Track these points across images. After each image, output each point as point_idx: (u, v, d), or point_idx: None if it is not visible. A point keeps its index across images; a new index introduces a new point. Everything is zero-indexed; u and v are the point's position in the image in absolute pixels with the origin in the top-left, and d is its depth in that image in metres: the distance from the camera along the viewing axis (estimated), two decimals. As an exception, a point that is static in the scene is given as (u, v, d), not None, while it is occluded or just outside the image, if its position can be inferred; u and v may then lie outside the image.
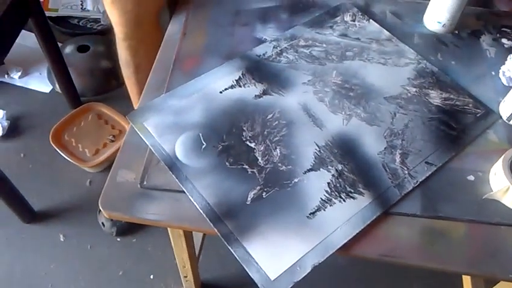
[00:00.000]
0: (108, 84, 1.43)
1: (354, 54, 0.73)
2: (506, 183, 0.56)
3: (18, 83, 1.49)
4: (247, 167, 0.58)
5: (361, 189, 0.56)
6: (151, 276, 1.10)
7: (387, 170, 0.58)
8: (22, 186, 1.16)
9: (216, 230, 0.52)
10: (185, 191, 0.55)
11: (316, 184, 0.57)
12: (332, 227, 0.53)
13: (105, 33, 1.53)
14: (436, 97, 0.68)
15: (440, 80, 0.70)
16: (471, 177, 0.60)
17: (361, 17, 0.79)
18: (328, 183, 0.57)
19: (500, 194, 0.57)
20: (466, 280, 0.97)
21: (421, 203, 0.57)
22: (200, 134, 0.61)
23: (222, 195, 0.55)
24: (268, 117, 0.63)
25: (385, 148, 0.61)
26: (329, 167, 0.58)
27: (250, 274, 0.49)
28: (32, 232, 1.18)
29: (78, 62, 1.41)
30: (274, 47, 0.73)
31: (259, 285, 0.49)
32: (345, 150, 0.60)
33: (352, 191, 0.56)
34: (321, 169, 0.58)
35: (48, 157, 1.19)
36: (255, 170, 0.58)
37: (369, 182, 0.57)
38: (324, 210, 0.54)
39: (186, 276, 0.92)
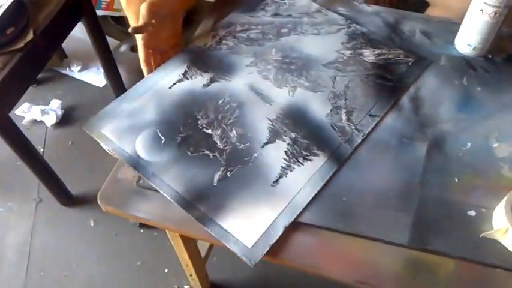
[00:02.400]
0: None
1: (289, 30, 0.77)
2: (505, 224, 0.52)
3: (77, 76, 1.65)
4: (208, 152, 0.61)
5: (315, 151, 0.61)
6: (166, 270, 1.17)
7: (336, 129, 0.63)
8: (65, 171, 1.32)
9: (191, 215, 0.55)
10: (154, 186, 0.58)
11: (275, 154, 0.61)
12: (295, 189, 0.57)
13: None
14: (369, 55, 0.73)
15: (370, 39, 0.75)
16: (472, 213, 0.56)
17: (289, -6, 0.83)
18: (285, 151, 0.61)
19: (500, 234, 0.53)
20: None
21: (410, 233, 0.54)
22: (158, 130, 0.63)
23: (189, 183, 0.58)
24: (219, 103, 0.67)
25: (331, 110, 0.65)
26: (283, 137, 0.63)
27: (229, 247, 0.53)
28: (67, 214, 1.31)
29: (129, 60, 1.48)
30: (213, 37, 0.76)
31: (239, 255, 0.52)
32: (295, 119, 0.65)
33: (308, 154, 0.61)
34: (277, 140, 0.62)
35: (92, 147, 1.29)
36: (216, 154, 0.61)
37: (322, 143, 0.62)
38: (286, 176, 0.59)
39: (191, 275, 0.95)
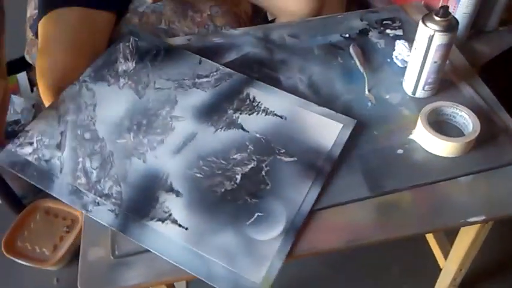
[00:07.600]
0: (47, 179, 1.34)
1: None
2: (422, 129, 0.69)
3: None
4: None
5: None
6: None
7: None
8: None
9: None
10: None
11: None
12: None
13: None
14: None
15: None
16: (400, 151, 0.70)
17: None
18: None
19: (419, 136, 0.70)
20: (430, 238, 1.08)
21: (367, 185, 0.66)
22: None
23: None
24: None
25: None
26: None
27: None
28: None
29: (10, 166, 1.42)
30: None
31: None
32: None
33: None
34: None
35: (6, 269, 1.14)
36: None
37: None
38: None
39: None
